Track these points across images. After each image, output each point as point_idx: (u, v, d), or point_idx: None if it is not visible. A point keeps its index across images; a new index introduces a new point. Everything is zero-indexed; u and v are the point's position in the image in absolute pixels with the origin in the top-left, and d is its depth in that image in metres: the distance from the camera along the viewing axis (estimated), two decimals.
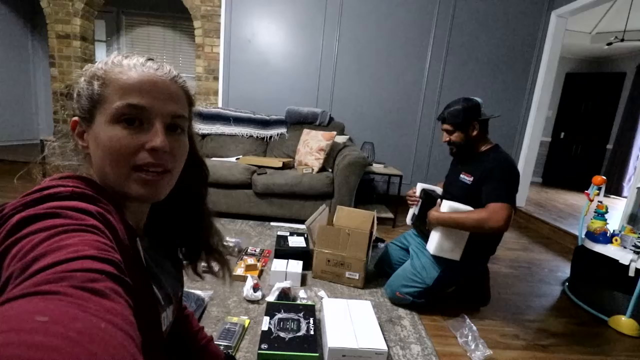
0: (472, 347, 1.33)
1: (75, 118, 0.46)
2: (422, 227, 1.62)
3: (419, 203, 1.76)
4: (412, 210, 1.83)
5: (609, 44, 3.80)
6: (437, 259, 1.54)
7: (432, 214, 1.50)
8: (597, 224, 1.83)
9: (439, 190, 1.79)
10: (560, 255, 2.56)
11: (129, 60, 0.45)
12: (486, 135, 1.58)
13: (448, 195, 1.68)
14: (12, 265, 0.28)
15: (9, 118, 4.35)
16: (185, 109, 0.49)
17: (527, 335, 1.49)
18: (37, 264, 0.27)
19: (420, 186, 1.81)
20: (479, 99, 1.54)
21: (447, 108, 1.57)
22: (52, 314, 0.22)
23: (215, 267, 0.63)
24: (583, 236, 1.90)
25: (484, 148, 1.56)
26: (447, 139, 1.59)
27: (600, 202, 1.89)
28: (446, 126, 1.57)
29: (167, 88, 0.45)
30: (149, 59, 0.47)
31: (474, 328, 1.41)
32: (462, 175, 1.58)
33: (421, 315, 1.55)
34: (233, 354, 1.12)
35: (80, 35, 3.50)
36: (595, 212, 1.89)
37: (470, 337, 1.37)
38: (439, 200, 1.56)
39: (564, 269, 2.28)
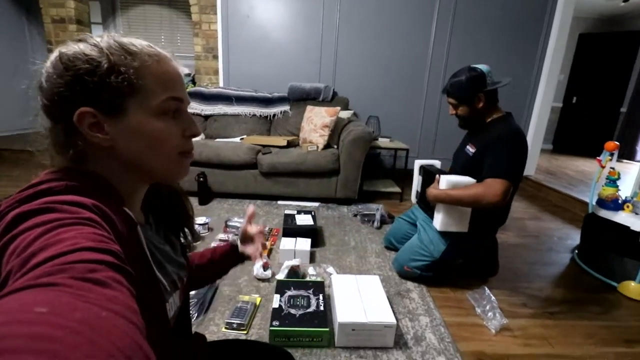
0: (490, 316, 1.36)
1: (87, 109, 0.40)
2: (426, 204, 1.61)
3: (420, 180, 1.74)
4: (415, 188, 1.82)
5: (626, 0, 3.59)
6: (444, 232, 1.53)
7: (430, 191, 1.49)
8: (609, 191, 1.80)
9: (437, 164, 1.76)
10: (570, 223, 2.55)
11: (140, 45, 0.44)
12: (496, 104, 1.51)
13: (454, 165, 1.65)
14: (11, 262, 0.28)
15: (11, 107, 4.35)
16: None
17: (535, 303, 1.51)
18: (36, 259, 0.27)
19: (417, 163, 1.79)
20: (484, 67, 1.45)
21: (451, 79, 1.50)
22: (52, 305, 0.22)
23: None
24: (594, 203, 1.87)
25: (492, 118, 1.51)
26: (453, 112, 1.55)
27: (613, 168, 1.84)
28: (451, 100, 1.52)
29: (182, 78, 0.49)
30: (150, 46, 0.46)
31: (493, 298, 1.43)
32: (467, 147, 1.55)
33: (429, 287, 1.57)
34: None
35: (76, 19, 3.43)
36: (607, 178, 1.85)
37: (488, 307, 1.39)
38: (437, 175, 1.53)
39: (574, 237, 2.26)
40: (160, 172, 0.47)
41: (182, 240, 0.60)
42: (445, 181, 1.45)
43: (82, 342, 0.20)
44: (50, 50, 3.47)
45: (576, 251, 2.00)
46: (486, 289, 1.48)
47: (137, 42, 0.44)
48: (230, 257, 0.79)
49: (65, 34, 3.44)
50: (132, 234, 0.42)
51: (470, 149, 1.53)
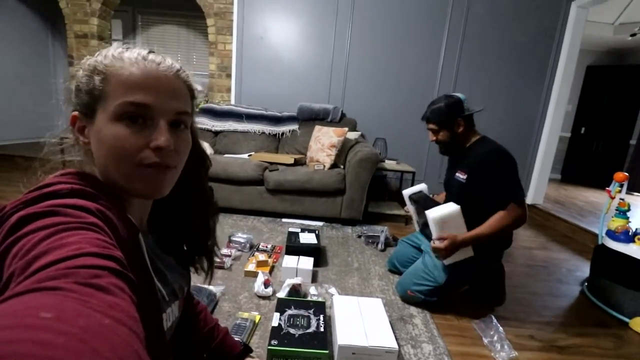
0: (498, 347, 1.31)
1: (75, 113, 0.45)
2: (429, 232, 1.58)
3: (414, 210, 1.74)
4: (415, 218, 1.80)
5: (633, 34, 3.65)
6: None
7: (453, 242, 1.40)
8: (619, 222, 1.76)
9: (423, 187, 1.76)
10: (579, 255, 2.49)
11: (130, 54, 0.44)
12: (473, 129, 1.57)
13: (449, 195, 1.66)
14: (14, 264, 0.28)
15: (31, 116, 4.48)
16: (189, 104, 0.48)
17: (543, 336, 1.46)
18: (39, 262, 0.27)
19: (406, 195, 1.78)
20: (461, 95, 1.53)
21: (430, 106, 1.56)
22: (56, 310, 0.22)
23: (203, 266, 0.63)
24: (603, 235, 1.83)
25: (471, 142, 1.56)
26: (434, 138, 1.59)
27: (622, 199, 1.82)
28: (431, 126, 1.57)
29: (170, 84, 0.45)
30: (151, 52, 0.46)
31: (501, 329, 1.39)
32: (457, 174, 1.57)
33: (433, 314, 1.52)
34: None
35: (98, 35, 3.58)
36: (616, 210, 1.82)
37: (496, 338, 1.35)
38: (428, 216, 1.46)
39: (583, 269, 2.21)
40: (124, 184, 0.43)
41: (194, 270, 0.60)
42: (432, 218, 1.42)
43: (85, 350, 0.20)
44: (71, 64, 3.62)
45: (586, 284, 1.95)
46: (493, 318, 1.44)
47: (127, 51, 0.45)
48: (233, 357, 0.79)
49: (87, 48, 3.59)
50: (133, 240, 0.42)
51: (461, 176, 1.54)
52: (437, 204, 1.53)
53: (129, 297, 0.28)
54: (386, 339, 1.16)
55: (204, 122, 3.07)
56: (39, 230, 0.31)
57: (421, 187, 1.76)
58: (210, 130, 3.07)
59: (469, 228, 1.44)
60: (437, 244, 1.42)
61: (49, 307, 0.22)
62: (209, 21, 3.43)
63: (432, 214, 1.43)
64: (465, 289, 1.74)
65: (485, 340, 1.36)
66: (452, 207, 1.43)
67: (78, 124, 0.45)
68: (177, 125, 0.46)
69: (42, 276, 0.26)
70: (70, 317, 0.22)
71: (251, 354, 0.85)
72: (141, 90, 0.42)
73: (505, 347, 1.31)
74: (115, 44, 0.46)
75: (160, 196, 0.46)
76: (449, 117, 1.51)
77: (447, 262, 1.47)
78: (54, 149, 0.48)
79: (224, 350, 0.75)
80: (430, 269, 1.54)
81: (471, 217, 1.45)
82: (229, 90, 3.54)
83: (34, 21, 4.49)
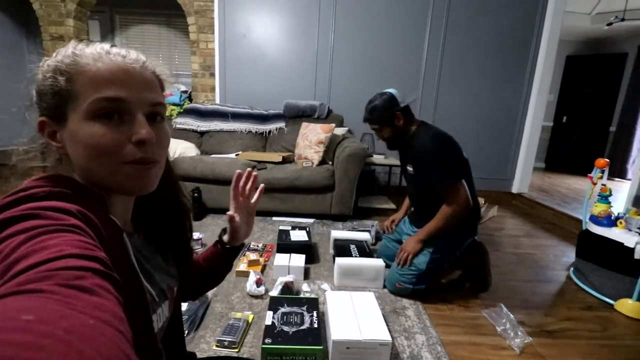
0: (512, 335, 1.34)
1: (42, 118, 0.42)
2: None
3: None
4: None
5: (609, 24, 3.74)
6: (425, 243, 1.58)
7: (409, 247, 1.59)
8: (601, 207, 1.81)
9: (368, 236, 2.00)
10: (565, 241, 2.55)
11: (92, 49, 0.42)
12: (412, 119, 1.64)
13: (410, 188, 1.79)
14: None
15: (10, 123, 4.34)
16: (162, 95, 0.47)
17: (532, 321, 1.49)
18: (19, 265, 0.26)
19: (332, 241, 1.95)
20: (392, 90, 1.61)
21: (367, 107, 1.64)
22: (38, 313, 0.21)
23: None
24: (587, 220, 1.88)
25: (412, 132, 1.63)
26: (380, 136, 1.67)
27: (604, 185, 1.86)
28: (374, 125, 1.65)
29: (140, 75, 0.43)
30: (113, 46, 0.44)
31: (512, 317, 1.43)
32: (407, 167, 1.66)
33: (425, 304, 1.54)
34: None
35: (75, 37, 3.48)
36: (599, 195, 1.87)
37: (508, 325, 1.38)
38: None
39: (569, 254, 2.26)
40: (109, 183, 0.42)
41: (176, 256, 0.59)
42: (339, 267, 1.63)
43: (69, 351, 0.19)
44: None
45: (572, 268, 2.00)
46: (503, 307, 1.49)
47: (87, 47, 0.43)
48: (222, 256, 0.73)
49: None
50: (118, 241, 0.41)
51: (410, 168, 1.65)
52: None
53: (115, 298, 0.27)
54: (380, 332, 1.16)
55: (189, 123, 3.02)
56: (18, 234, 0.30)
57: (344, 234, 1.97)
58: (196, 131, 3.03)
59: (439, 206, 1.55)
60: (402, 261, 1.59)
61: (31, 309, 0.21)
62: (190, 19, 3.37)
63: (342, 263, 1.64)
64: (454, 277, 1.76)
65: (499, 329, 1.39)
66: (357, 261, 1.67)
67: (47, 129, 0.42)
68: (153, 118, 0.45)
69: (23, 279, 0.25)
70: (53, 318, 0.21)
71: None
72: (112, 85, 0.40)
73: (519, 333, 1.34)
74: (72, 42, 0.43)
75: (148, 192, 0.45)
76: (386, 113, 1.58)
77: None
78: (23, 157, 0.45)
79: (212, 263, 0.72)
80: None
81: (434, 202, 1.57)
82: (213, 89, 3.49)
83: (6, 24, 4.33)
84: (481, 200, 2.60)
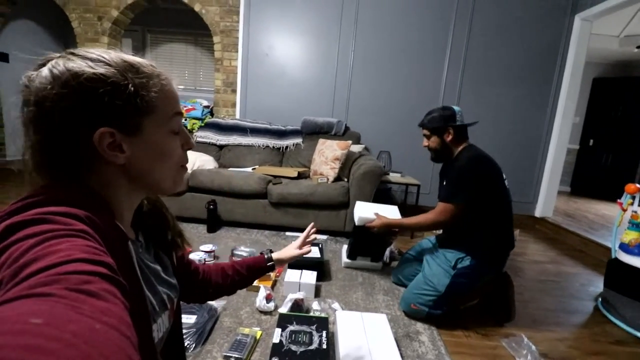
0: None
1: (107, 129, 0.40)
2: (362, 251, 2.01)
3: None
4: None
5: (639, 47, 3.63)
6: (448, 266, 1.52)
7: (376, 222, 1.71)
8: (632, 235, 1.71)
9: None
10: (592, 269, 2.41)
11: (139, 59, 0.46)
12: (463, 141, 1.66)
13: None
14: (2, 272, 0.28)
15: None
16: None
17: (556, 354, 1.39)
18: (28, 269, 0.27)
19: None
20: (456, 108, 1.65)
21: (427, 115, 1.70)
22: (47, 316, 0.22)
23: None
24: (617, 248, 1.77)
25: (458, 151, 1.64)
26: (426, 143, 1.72)
27: (635, 212, 1.76)
28: (425, 131, 1.71)
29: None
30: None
31: (534, 348, 1.34)
32: (443, 184, 1.69)
33: (440, 330, 1.47)
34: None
35: None
36: (629, 222, 1.76)
37: (529, 357, 1.30)
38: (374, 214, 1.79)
39: (597, 284, 2.13)
40: (166, 183, 0.49)
41: (175, 260, 0.59)
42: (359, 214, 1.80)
43: (76, 355, 0.20)
44: None
45: (600, 299, 1.87)
46: (524, 337, 1.40)
47: (143, 62, 0.45)
48: (263, 270, 0.85)
49: None
50: (123, 248, 0.41)
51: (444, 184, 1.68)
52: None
53: (121, 302, 0.28)
54: (391, 357, 1.12)
55: (209, 136, 3.10)
56: (28, 238, 0.30)
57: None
58: (215, 144, 3.10)
59: (469, 232, 1.56)
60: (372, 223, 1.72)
61: (40, 313, 0.22)
62: (215, 39, 3.51)
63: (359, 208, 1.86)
64: (473, 303, 1.68)
65: None
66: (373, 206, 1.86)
67: (109, 140, 0.40)
68: None
69: (32, 283, 0.25)
70: (61, 322, 0.22)
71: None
72: (178, 102, 0.49)
73: None
74: (142, 59, 0.46)
75: (182, 190, 0.50)
76: (440, 125, 1.63)
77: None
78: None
79: (254, 273, 0.83)
80: (429, 278, 1.53)
81: (462, 222, 1.55)
82: (234, 105, 3.58)
83: (46, 41, 4.64)
84: (516, 233, 2.53)
